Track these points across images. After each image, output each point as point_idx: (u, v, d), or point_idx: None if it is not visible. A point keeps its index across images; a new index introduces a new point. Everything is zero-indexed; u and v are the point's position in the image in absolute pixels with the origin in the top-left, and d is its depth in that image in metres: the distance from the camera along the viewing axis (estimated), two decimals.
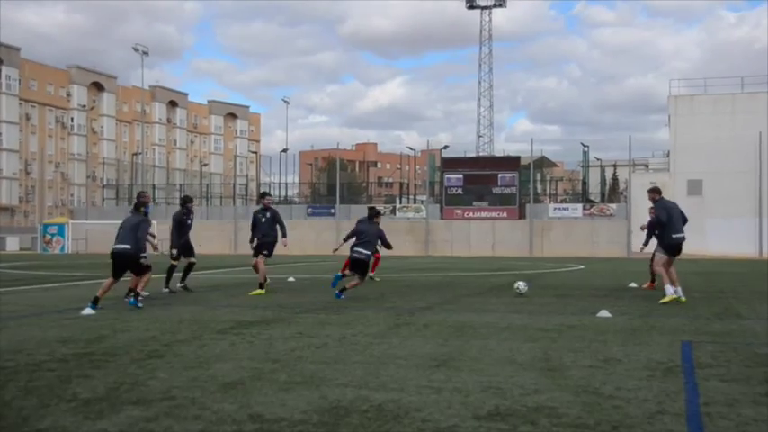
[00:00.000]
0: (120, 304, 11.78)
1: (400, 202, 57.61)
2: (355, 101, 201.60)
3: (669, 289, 12.47)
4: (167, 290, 14.55)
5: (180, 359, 6.86)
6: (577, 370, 6.36)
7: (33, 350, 7.36)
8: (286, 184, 63.00)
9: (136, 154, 73.83)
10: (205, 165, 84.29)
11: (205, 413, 4.81)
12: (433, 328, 9.22)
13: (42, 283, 18.20)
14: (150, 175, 69.55)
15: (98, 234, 53.76)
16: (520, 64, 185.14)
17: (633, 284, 16.77)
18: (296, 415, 4.76)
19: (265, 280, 14.60)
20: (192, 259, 15.34)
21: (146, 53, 69.58)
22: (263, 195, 15.67)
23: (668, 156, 52.44)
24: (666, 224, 12.64)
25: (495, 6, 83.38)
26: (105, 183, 68.92)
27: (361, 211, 54.46)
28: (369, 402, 5.11)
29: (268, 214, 14.69)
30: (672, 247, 12.68)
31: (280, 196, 60.97)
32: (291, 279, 19.21)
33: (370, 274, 16.79)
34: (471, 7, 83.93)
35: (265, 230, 14.59)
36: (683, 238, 12.73)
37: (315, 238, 50.97)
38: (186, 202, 15.56)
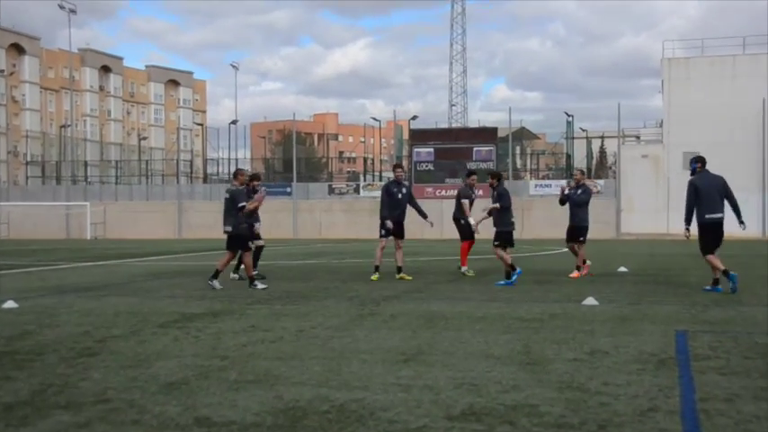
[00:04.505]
0: (48, 295, 11.63)
1: (364, 180, 57.52)
2: (313, 66, 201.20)
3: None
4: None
5: (116, 357, 6.82)
6: (561, 364, 6.42)
7: None
8: (236, 159, 62.24)
9: (64, 126, 72.79)
10: (144, 138, 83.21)
11: (145, 417, 4.79)
12: (400, 318, 9.26)
13: None
14: (81, 149, 68.71)
15: (21, 216, 53.07)
16: (497, 23, 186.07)
17: (623, 269, 16.96)
18: (248, 417, 4.76)
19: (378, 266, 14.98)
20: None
21: (73, 11, 68.50)
22: (398, 166, 15.87)
23: (661, 125, 52.81)
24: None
25: None
26: (29, 159, 67.92)
27: (320, 188, 54.57)
28: (329, 402, 5.12)
29: (404, 189, 15.29)
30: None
31: (229, 173, 60.56)
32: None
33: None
34: None
35: (403, 207, 15.19)
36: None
37: (269, 220, 50.26)
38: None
